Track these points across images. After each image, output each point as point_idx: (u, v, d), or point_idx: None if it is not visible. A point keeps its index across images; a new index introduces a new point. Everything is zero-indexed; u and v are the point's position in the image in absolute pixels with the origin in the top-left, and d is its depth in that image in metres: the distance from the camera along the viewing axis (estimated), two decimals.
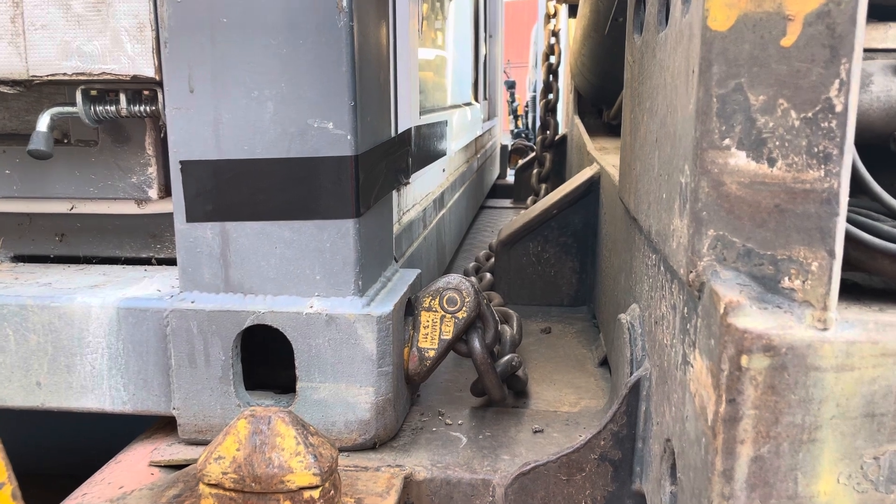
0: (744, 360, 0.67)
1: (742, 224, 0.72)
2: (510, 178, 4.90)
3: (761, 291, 0.70)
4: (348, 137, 1.14)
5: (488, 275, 2.09)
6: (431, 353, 1.29)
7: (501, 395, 1.35)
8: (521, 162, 4.66)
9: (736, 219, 0.72)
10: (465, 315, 1.29)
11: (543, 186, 3.38)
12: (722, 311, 0.68)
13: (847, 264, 0.74)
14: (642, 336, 1.14)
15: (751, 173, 0.70)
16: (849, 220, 0.75)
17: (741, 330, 0.67)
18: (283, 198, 1.17)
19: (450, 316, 1.29)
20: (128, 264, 1.50)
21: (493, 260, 2.18)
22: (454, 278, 1.31)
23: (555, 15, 3.67)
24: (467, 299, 1.29)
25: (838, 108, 0.68)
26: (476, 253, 2.70)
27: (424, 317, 1.30)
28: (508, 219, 3.58)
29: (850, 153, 0.69)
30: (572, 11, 4.11)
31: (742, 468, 0.69)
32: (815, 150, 0.69)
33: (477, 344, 1.30)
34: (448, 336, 1.29)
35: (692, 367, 0.79)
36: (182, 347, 1.20)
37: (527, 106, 12.28)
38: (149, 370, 1.24)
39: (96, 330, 1.23)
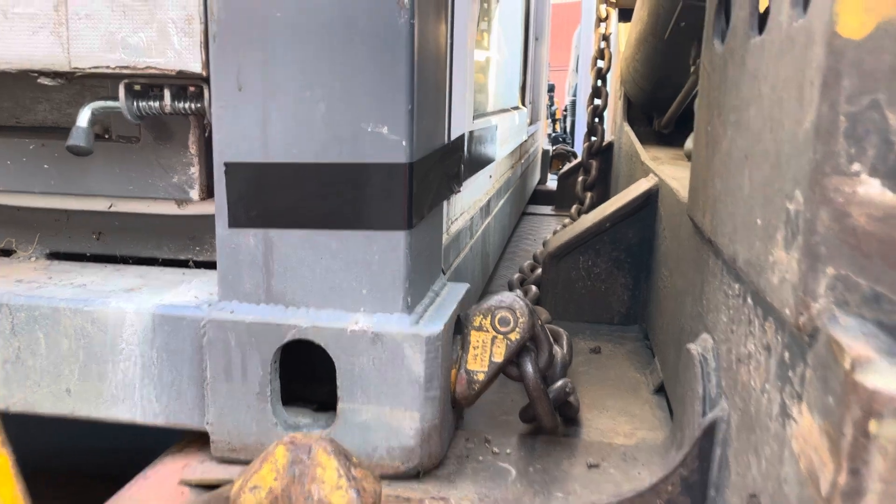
0: (872, 426, 0.57)
1: (871, 264, 0.62)
2: (551, 183, 4.79)
3: (892, 344, 0.60)
4: (403, 143, 1.06)
5: (534, 288, 1.99)
6: (481, 377, 1.20)
7: (554, 425, 1.26)
8: (562, 168, 4.55)
9: (863, 257, 0.62)
10: (517, 337, 1.20)
11: (588, 195, 3.27)
12: (847, 365, 0.58)
13: None
14: (717, 371, 1.04)
15: (885, 205, 0.60)
16: None
17: (870, 390, 0.57)
18: (331, 206, 1.09)
19: (501, 337, 1.21)
20: (165, 266, 1.44)
21: (538, 271, 2.08)
22: (507, 296, 1.22)
23: (606, 18, 3.56)
24: (521, 320, 1.20)
25: None
26: (519, 262, 2.61)
27: (474, 337, 1.21)
28: (550, 227, 3.48)
29: None
30: (623, 16, 4.00)
31: None
32: None
33: (530, 368, 1.21)
34: (499, 359, 1.20)
35: (795, 422, 0.69)
36: (218, 360, 1.13)
37: (565, 110, 12.16)
38: (183, 382, 1.17)
39: (130, 337, 1.17)
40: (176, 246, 1.43)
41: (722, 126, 1.09)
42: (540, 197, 4.27)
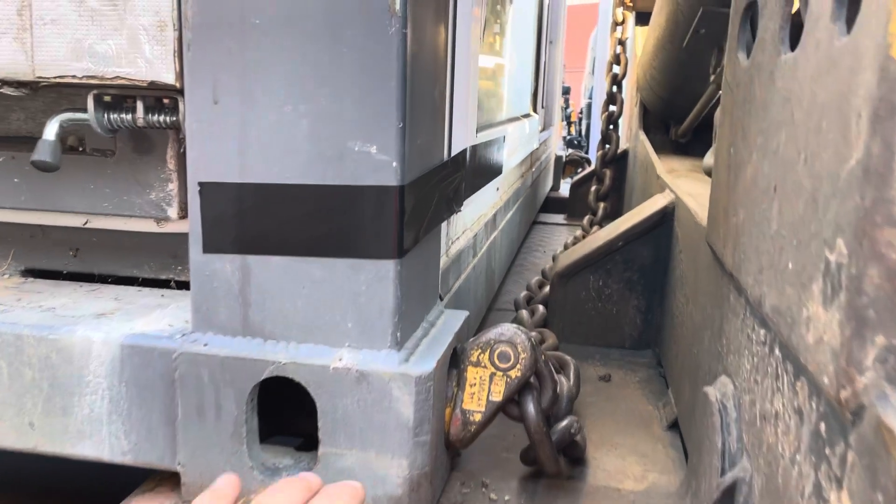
0: None
1: None
2: (563, 191, 4.68)
3: None
4: (394, 164, 0.96)
5: (541, 308, 1.89)
6: (477, 417, 1.10)
7: (557, 470, 1.16)
8: (575, 175, 4.43)
9: None
10: (518, 375, 1.10)
11: (601, 205, 3.16)
12: None
13: None
14: (738, 423, 0.93)
15: None
16: None
17: None
18: (315, 231, 0.99)
19: (501, 374, 1.11)
20: (146, 285, 1.35)
21: (546, 289, 1.98)
22: (508, 329, 1.12)
23: (622, 22, 3.44)
24: (522, 356, 1.10)
25: None
26: (528, 276, 2.50)
27: (471, 373, 1.11)
28: (561, 237, 3.37)
29: None
30: (640, 19, 3.88)
31: None
32: None
33: (531, 409, 1.11)
34: (498, 398, 1.10)
35: None
36: (190, 397, 1.04)
37: (581, 112, 12.03)
38: (153, 418, 1.08)
39: (97, 368, 1.08)
40: (157, 265, 1.34)
41: (746, 149, 0.98)
42: (552, 205, 4.15)
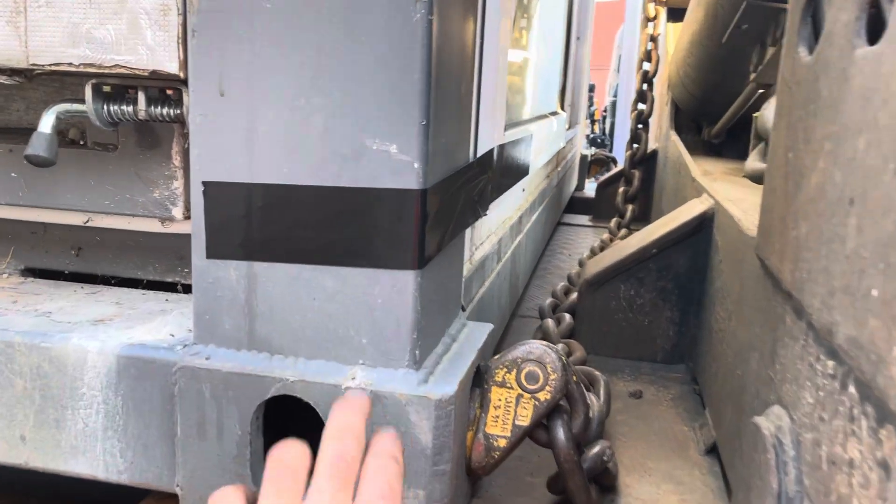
0: None
1: None
2: (588, 191, 4.56)
3: None
4: (415, 165, 0.87)
5: (568, 317, 1.79)
6: (502, 443, 1.01)
7: (587, 501, 1.06)
8: (601, 175, 4.32)
9: None
10: (548, 397, 1.00)
11: (630, 207, 3.05)
12: None
13: None
14: (797, 463, 0.83)
15: None
16: None
17: None
18: (328, 237, 0.90)
19: (528, 396, 1.01)
20: (151, 288, 1.28)
21: (573, 296, 1.88)
22: (537, 347, 1.03)
23: (654, 18, 3.32)
24: (552, 377, 1.01)
25: None
26: (551, 280, 2.40)
27: (496, 394, 1.02)
28: (587, 239, 3.26)
29: None
30: (672, 15, 3.75)
31: None
32: None
33: (562, 436, 1.02)
34: (524, 422, 1.01)
35: None
36: (190, 414, 0.96)
37: (605, 111, 11.86)
38: (150, 435, 1.00)
39: (92, 380, 1.00)
40: (162, 267, 1.26)
41: (811, 155, 0.87)
42: (576, 205, 4.04)
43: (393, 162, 0.87)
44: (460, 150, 1.06)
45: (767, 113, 1.79)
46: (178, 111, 0.98)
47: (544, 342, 1.03)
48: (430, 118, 0.87)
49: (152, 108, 0.98)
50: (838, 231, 0.74)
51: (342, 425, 0.72)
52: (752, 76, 2.13)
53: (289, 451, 0.69)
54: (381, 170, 0.88)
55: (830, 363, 0.75)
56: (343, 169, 0.88)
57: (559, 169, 3.21)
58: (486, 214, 1.25)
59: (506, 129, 1.48)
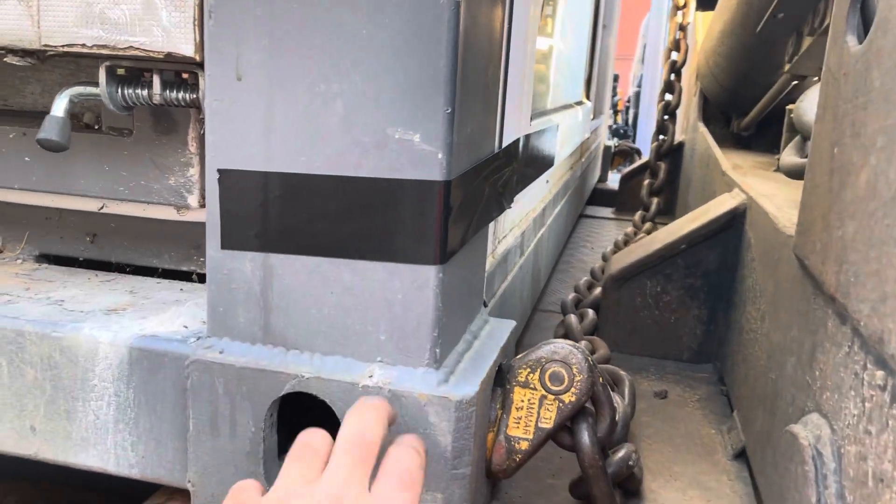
0: None
1: None
2: (611, 182, 4.49)
3: None
4: (439, 156, 0.82)
5: (591, 313, 1.74)
6: (524, 445, 0.97)
7: None
8: (623, 165, 4.25)
9: None
10: (573, 399, 0.96)
11: (655, 200, 2.98)
12: None
13: None
14: (838, 477, 0.78)
15: None
16: None
17: None
18: (347, 230, 0.87)
19: (553, 398, 0.97)
20: (166, 277, 1.25)
21: (596, 292, 1.83)
22: (562, 347, 0.98)
23: (684, 6, 3.24)
24: (577, 378, 0.96)
25: None
26: (574, 275, 2.35)
27: (518, 395, 0.98)
28: (610, 232, 3.21)
29: None
30: (702, 3, 3.66)
31: None
32: None
33: (587, 440, 0.98)
34: (548, 424, 0.97)
35: None
36: (203, 409, 0.93)
37: (628, 101, 11.71)
38: (163, 430, 0.97)
39: (103, 372, 0.97)
40: (178, 255, 1.23)
41: (860, 151, 0.82)
42: (599, 197, 3.98)
43: (416, 152, 0.83)
44: (485, 140, 1.02)
45: (804, 105, 1.73)
46: (194, 95, 0.94)
47: (570, 342, 0.99)
48: (456, 107, 0.83)
49: (167, 92, 0.95)
50: (892, 233, 0.69)
51: (365, 407, 0.74)
52: (787, 67, 2.06)
53: (313, 436, 0.73)
54: (403, 160, 0.84)
55: (880, 373, 0.70)
56: (363, 158, 0.85)
57: (583, 160, 3.15)
58: (510, 207, 1.20)
59: (532, 119, 1.44)
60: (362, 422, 0.72)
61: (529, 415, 0.97)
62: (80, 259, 1.27)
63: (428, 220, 0.84)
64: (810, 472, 0.81)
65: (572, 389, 0.97)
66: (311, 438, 0.72)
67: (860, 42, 0.89)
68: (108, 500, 1.56)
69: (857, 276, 0.77)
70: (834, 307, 0.86)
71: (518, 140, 1.23)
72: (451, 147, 0.83)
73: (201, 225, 1.11)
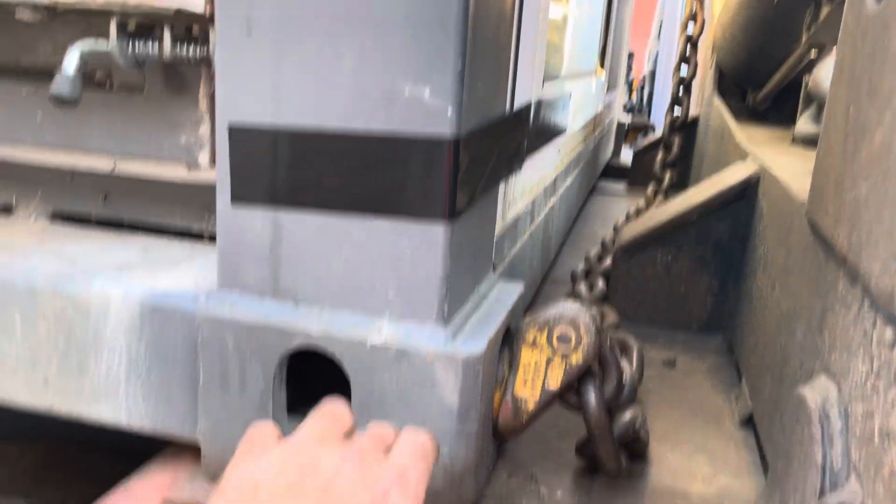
0: None
1: None
2: (624, 157, 4.46)
3: None
4: (449, 112, 0.82)
5: (601, 282, 1.74)
6: (530, 406, 0.97)
7: (618, 469, 1.03)
8: (637, 141, 4.21)
9: None
10: (580, 360, 0.96)
11: (668, 174, 2.96)
12: None
13: None
14: (844, 435, 0.78)
15: None
16: None
17: None
18: (356, 186, 0.87)
19: (560, 358, 0.97)
20: (178, 237, 1.26)
21: (606, 262, 1.83)
22: (570, 308, 0.98)
23: None
24: (585, 339, 0.97)
25: None
26: (585, 247, 2.35)
27: (526, 355, 0.98)
28: (622, 207, 3.19)
29: None
30: None
31: None
32: None
33: (593, 400, 0.98)
34: (554, 385, 0.97)
35: None
36: (213, 364, 0.94)
37: (643, 79, 11.58)
38: (173, 383, 0.99)
39: (115, 326, 0.99)
40: (189, 215, 1.24)
41: (876, 110, 0.81)
42: (612, 172, 3.95)
43: (425, 107, 0.83)
44: (496, 100, 1.01)
45: (822, 73, 1.71)
46: (204, 51, 0.94)
47: (578, 304, 0.99)
48: (466, 62, 0.82)
49: (178, 47, 0.95)
50: None
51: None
52: (805, 37, 2.03)
53: (336, 405, 0.74)
54: (413, 115, 0.83)
55: (889, 330, 0.69)
56: (373, 114, 0.84)
57: (596, 133, 3.13)
58: (520, 170, 1.20)
59: (544, 84, 1.42)
60: (380, 426, 0.75)
61: (536, 375, 0.98)
62: (93, 219, 1.28)
63: (437, 177, 0.84)
64: (816, 433, 0.81)
65: (579, 350, 0.97)
66: (336, 409, 0.74)
67: (878, 2, 0.88)
68: (123, 461, 1.59)
69: (870, 235, 0.76)
70: (845, 269, 0.85)
71: (529, 103, 1.22)
72: (461, 103, 0.83)
73: (212, 185, 1.12)
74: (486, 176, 0.97)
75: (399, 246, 0.87)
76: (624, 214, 2.55)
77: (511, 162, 1.12)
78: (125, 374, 1.00)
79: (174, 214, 1.25)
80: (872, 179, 0.78)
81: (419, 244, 0.87)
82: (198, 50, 0.95)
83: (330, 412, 0.73)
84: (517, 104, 1.16)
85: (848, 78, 0.95)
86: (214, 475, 0.98)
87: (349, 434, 0.73)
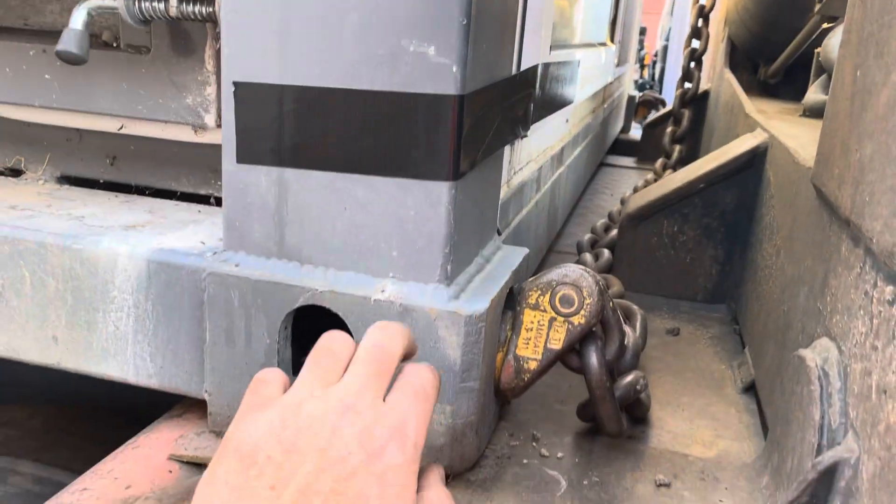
0: None
1: None
2: (634, 132, 4.44)
3: None
4: (453, 69, 0.82)
5: (606, 252, 1.75)
6: (532, 365, 0.98)
7: (618, 430, 1.04)
8: (649, 116, 4.19)
9: None
10: (582, 322, 0.97)
11: (677, 148, 2.95)
12: None
13: None
14: (842, 394, 0.79)
15: None
16: None
17: None
18: (360, 145, 0.87)
19: (562, 319, 0.98)
20: (184, 200, 1.26)
21: (612, 233, 1.83)
22: (573, 270, 0.99)
23: None
24: (587, 301, 0.97)
25: None
26: (592, 220, 2.35)
27: (528, 316, 0.99)
28: (630, 180, 3.18)
29: None
30: None
31: None
32: None
33: (594, 361, 0.99)
34: (556, 346, 0.98)
35: None
36: (219, 320, 0.95)
37: (655, 55, 11.45)
38: (180, 341, 1.00)
39: (122, 284, 1.00)
40: (196, 178, 1.25)
41: (882, 69, 0.80)
42: (621, 147, 3.93)
43: (430, 64, 0.83)
44: (502, 61, 1.01)
45: (833, 42, 1.69)
46: (210, 8, 0.94)
47: (580, 266, 1.00)
48: (472, 19, 0.82)
49: (184, 4, 0.95)
50: None
51: (388, 324, 0.72)
52: (817, 7, 2.00)
53: (333, 339, 0.71)
54: (417, 73, 0.83)
55: (889, 288, 0.70)
56: (378, 72, 0.84)
57: (605, 106, 3.11)
58: (526, 135, 1.20)
59: (552, 49, 1.42)
60: (384, 335, 0.71)
61: (539, 336, 0.99)
62: (101, 181, 1.29)
63: (441, 136, 0.84)
64: (815, 392, 0.82)
65: (582, 312, 0.97)
66: (332, 343, 0.71)
67: None
68: (130, 424, 1.62)
69: (873, 194, 0.76)
70: (848, 231, 0.85)
71: (536, 67, 1.22)
72: (466, 61, 0.83)
73: (218, 147, 1.12)
74: (490, 136, 0.97)
75: (403, 205, 0.88)
76: (632, 188, 2.55)
77: (516, 125, 1.12)
78: (132, 330, 1.01)
79: (180, 178, 1.25)
80: (877, 138, 0.78)
81: (423, 204, 0.87)
82: (204, 6, 0.95)
83: (327, 350, 0.70)
84: (524, 66, 1.16)
85: (856, 41, 0.94)
86: (220, 431, 1.00)
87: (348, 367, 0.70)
